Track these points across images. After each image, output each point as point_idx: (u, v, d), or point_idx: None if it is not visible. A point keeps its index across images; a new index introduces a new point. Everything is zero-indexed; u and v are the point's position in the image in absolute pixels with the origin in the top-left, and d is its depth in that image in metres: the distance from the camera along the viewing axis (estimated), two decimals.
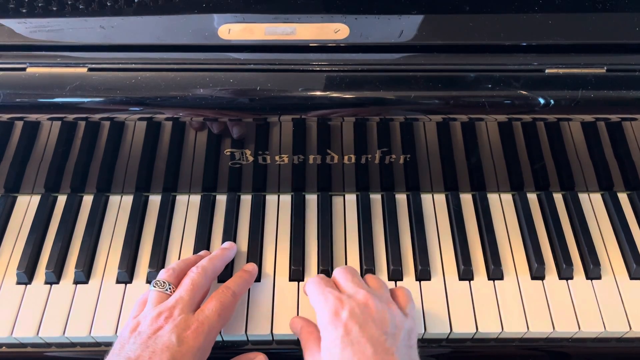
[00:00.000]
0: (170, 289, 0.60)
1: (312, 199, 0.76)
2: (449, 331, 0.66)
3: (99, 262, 0.71)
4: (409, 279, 0.69)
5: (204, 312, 0.58)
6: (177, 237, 0.73)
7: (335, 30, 0.64)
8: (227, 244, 0.70)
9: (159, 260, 0.70)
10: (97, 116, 0.63)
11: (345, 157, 0.70)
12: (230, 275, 0.69)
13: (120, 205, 0.76)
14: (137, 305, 0.62)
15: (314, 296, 0.59)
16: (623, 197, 0.77)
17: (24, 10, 0.65)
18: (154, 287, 0.61)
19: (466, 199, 0.77)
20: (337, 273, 0.62)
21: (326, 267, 0.69)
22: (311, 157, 0.70)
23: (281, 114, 0.62)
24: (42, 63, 0.62)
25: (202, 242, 0.72)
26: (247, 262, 0.70)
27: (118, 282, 0.69)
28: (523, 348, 0.69)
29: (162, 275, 0.62)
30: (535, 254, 0.70)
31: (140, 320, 0.57)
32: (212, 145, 0.68)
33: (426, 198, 0.77)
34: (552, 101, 0.60)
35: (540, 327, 0.66)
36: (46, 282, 0.69)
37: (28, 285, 0.69)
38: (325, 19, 0.65)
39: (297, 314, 0.66)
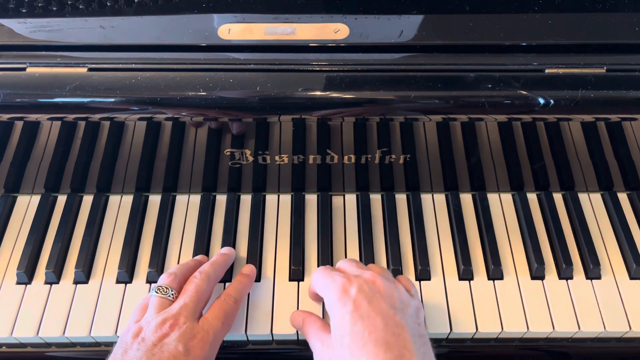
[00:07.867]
0: (172, 294, 0.59)
1: (312, 199, 0.76)
2: (448, 331, 0.65)
3: (99, 262, 0.71)
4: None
5: (209, 320, 0.58)
6: (177, 237, 0.73)
7: (335, 30, 0.64)
8: (226, 249, 0.69)
9: (158, 260, 0.70)
10: (97, 116, 0.63)
11: (345, 157, 0.70)
12: (230, 276, 0.69)
13: (120, 205, 0.76)
14: (137, 310, 0.60)
15: (321, 280, 0.59)
16: (623, 197, 0.77)
17: (24, 10, 0.65)
18: (156, 292, 0.59)
19: (466, 199, 0.77)
20: (341, 262, 0.63)
21: None
22: (311, 157, 0.70)
23: (281, 114, 0.62)
24: (42, 63, 0.62)
25: (202, 242, 0.72)
26: (247, 262, 0.70)
27: (118, 282, 0.69)
28: (523, 348, 0.69)
29: (164, 280, 0.61)
30: (535, 254, 0.70)
31: (143, 326, 0.56)
32: (212, 145, 0.68)
33: (426, 198, 0.77)
34: (552, 101, 0.60)
35: (540, 327, 0.66)
36: (46, 282, 0.69)
37: (28, 285, 0.69)
38: (325, 19, 0.65)
39: None
